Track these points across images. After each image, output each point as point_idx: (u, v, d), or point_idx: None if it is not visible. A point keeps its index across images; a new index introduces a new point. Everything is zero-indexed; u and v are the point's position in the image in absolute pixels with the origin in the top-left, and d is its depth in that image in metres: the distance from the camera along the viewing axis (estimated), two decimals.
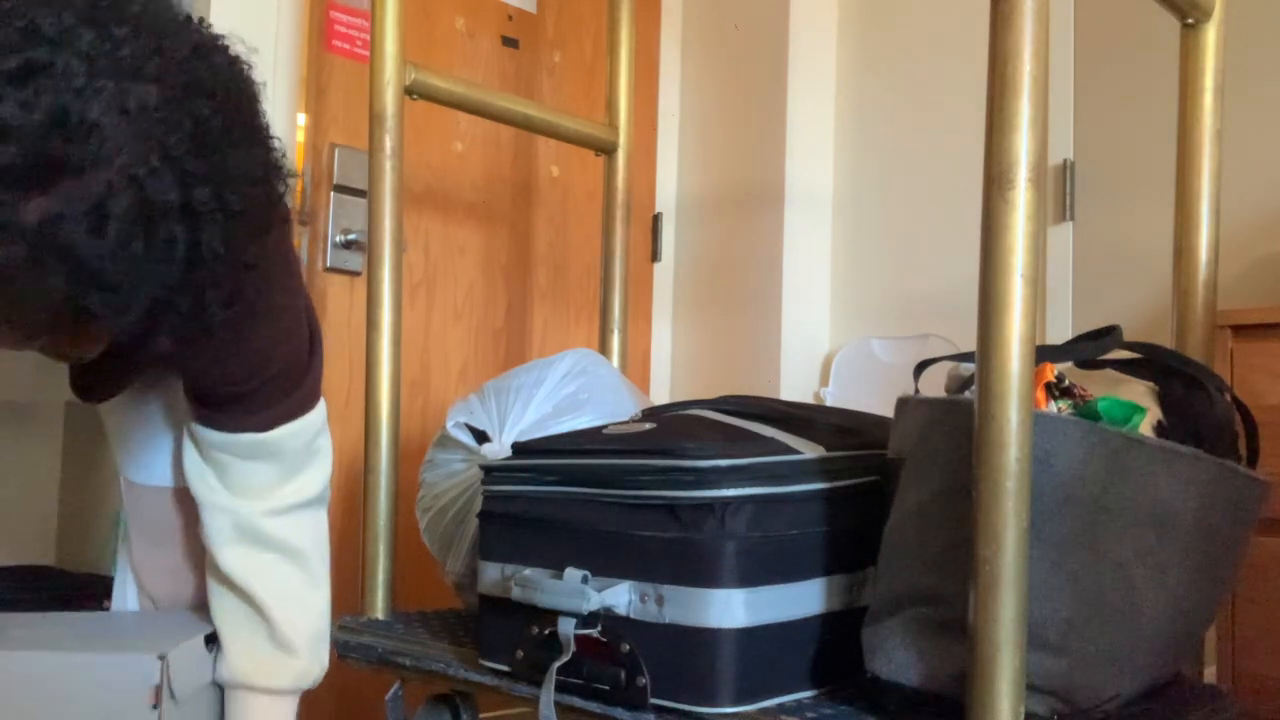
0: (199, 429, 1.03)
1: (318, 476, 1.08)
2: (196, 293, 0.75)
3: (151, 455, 1.14)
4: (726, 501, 0.99)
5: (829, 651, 1.07)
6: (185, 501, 1.11)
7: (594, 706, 1.05)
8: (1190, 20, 1.28)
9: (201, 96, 0.72)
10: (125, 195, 0.67)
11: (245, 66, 0.78)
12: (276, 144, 0.81)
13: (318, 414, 1.06)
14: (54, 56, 0.65)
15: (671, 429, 1.12)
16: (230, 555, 1.03)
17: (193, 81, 0.72)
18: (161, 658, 0.86)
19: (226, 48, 0.78)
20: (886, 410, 1.14)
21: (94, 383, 1.05)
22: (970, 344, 0.92)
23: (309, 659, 1.07)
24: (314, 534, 1.08)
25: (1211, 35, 1.28)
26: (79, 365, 1.00)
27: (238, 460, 1.03)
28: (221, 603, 1.05)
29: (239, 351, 0.96)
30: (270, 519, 1.04)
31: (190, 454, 1.04)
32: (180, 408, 1.10)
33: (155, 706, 0.86)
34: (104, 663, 0.87)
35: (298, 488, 1.06)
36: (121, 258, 0.68)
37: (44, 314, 0.71)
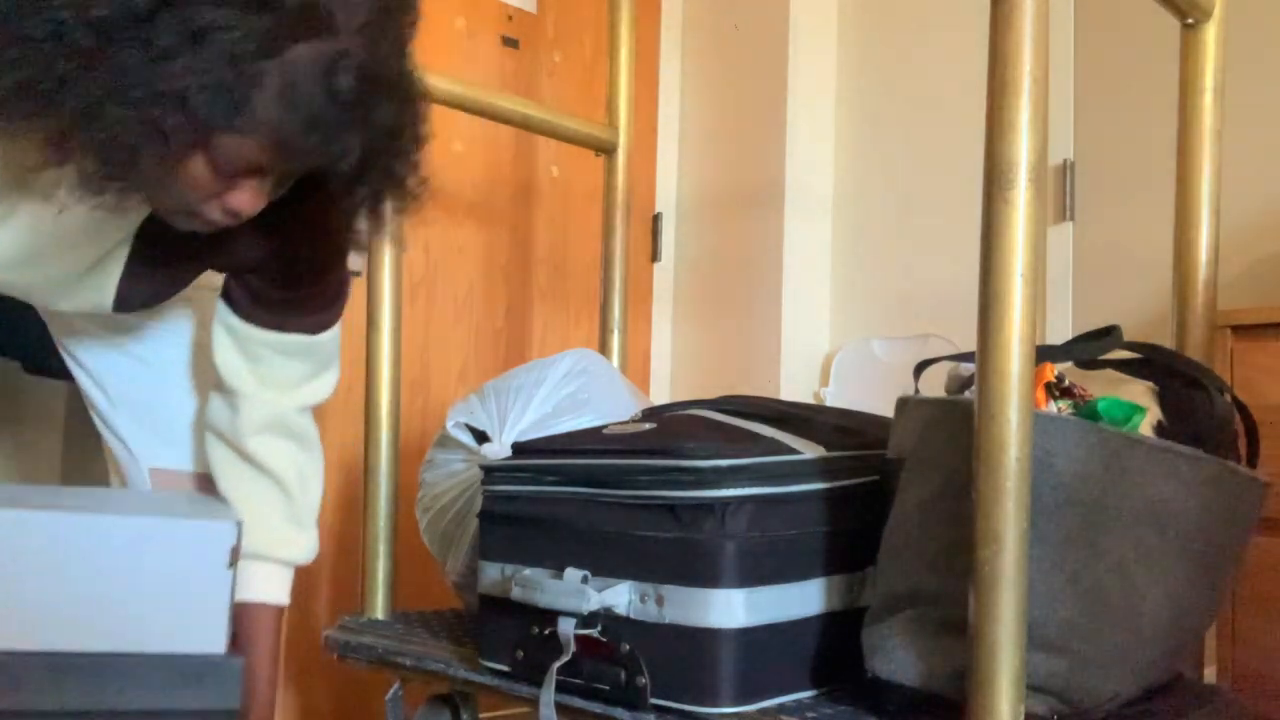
0: (247, 327, 1.12)
1: (332, 379, 1.20)
2: (396, 159, 0.91)
3: (181, 432, 1.21)
4: (726, 501, 0.99)
5: (829, 651, 1.07)
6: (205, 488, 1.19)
7: (594, 706, 1.05)
8: (1190, 20, 1.28)
9: (410, 16, 0.91)
10: (360, 59, 0.83)
11: None
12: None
13: (336, 326, 1.19)
14: None
15: (671, 429, 1.12)
16: (259, 442, 1.14)
17: (408, 2, 0.91)
18: (238, 523, 0.97)
19: None
20: (886, 410, 1.14)
21: (141, 291, 1.10)
22: (970, 344, 0.92)
23: (313, 535, 1.19)
24: (316, 429, 1.21)
25: (1211, 35, 1.28)
26: (129, 274, 1.06)
27: (279, 357, 1.13)
28: (243, 482, 1.15)
29: (327, 251, 1.10)
30: (296, 414, 1.16)
31: (226, 350, 1.13)
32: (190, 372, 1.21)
33: (231, 565, 0.96)
34: (187, 527, 0.96)
35: (318, 386, 1.18)
36: (347, 108, 0.83)
37: (272, 145, 0.84)
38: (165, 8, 0.78)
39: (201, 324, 1.23)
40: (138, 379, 1.19)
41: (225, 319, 1.12)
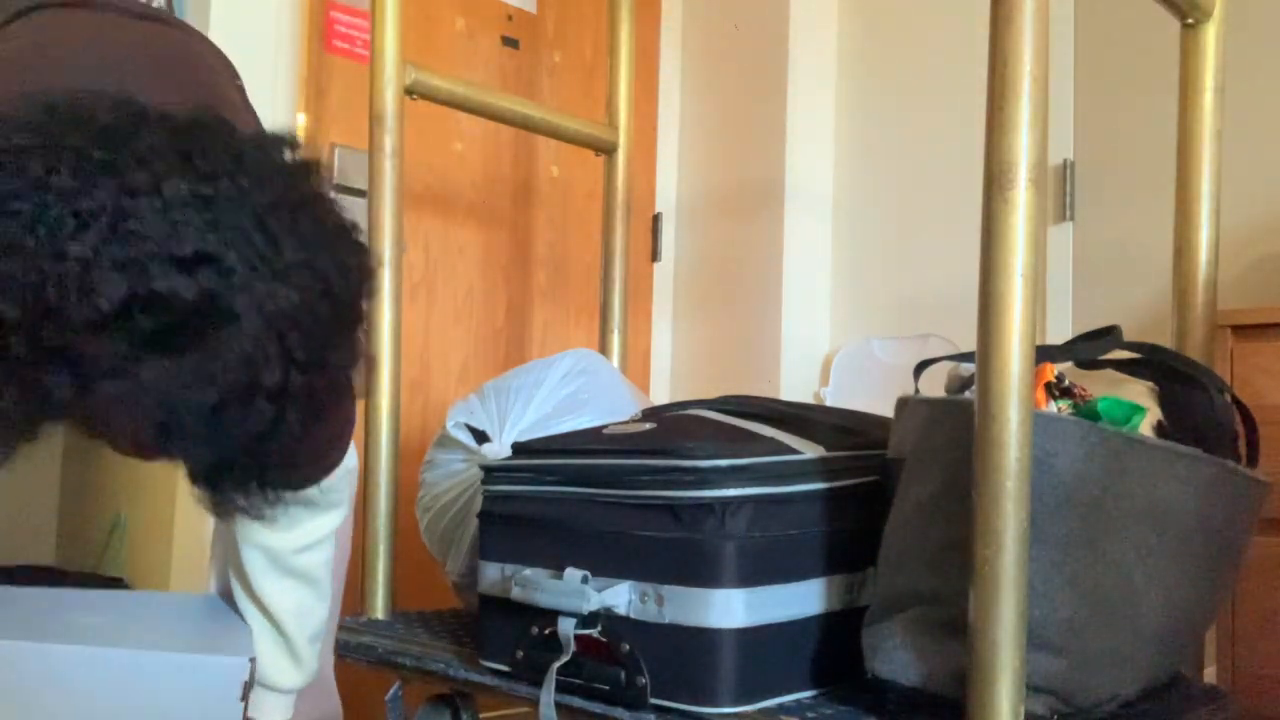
0: None
1: (339, 513, 1.18)
2: (262, 457, 0.83)
3: None
4: (726, 501, 0.99)
5: (829, 651, 1.07)
6: None
7: (594, 706, 1.05)
8: (1190, 20, 1.28)
9: (326, 298, 0.79)
10: (235, 373, 0.75)
11: (366, 255, 0.86)
12: (364, 328, 0.89)
13: (346, 462, 1.14)
14: (224, 252, 0.73)
15: (671, 429, 1.12)
16: (262, 584, 1.14)
17: (324, 286, 0.79)
18: (252, 660, 1.00)
19: (358, 234, 0.85)
20: (886, 410, 1.14)
21: None
22: (970, 344, 0.92)
23: (309, 664, 1.20)
24: (327, 556, 1.19)
25: (1211, 35, 1.28)
26: None
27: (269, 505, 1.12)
28: (247, 611, 1.17)
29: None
30: (298, 554, 1.15)
31: None
32: None
33: (243, 699, 0.99)
34: (203, 662, 1.00)
35: (322, 523, 1.16)
36: (212, 420, 0.76)
37: (129, 438, 0.81)
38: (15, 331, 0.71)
39: None
40: None
41: None
